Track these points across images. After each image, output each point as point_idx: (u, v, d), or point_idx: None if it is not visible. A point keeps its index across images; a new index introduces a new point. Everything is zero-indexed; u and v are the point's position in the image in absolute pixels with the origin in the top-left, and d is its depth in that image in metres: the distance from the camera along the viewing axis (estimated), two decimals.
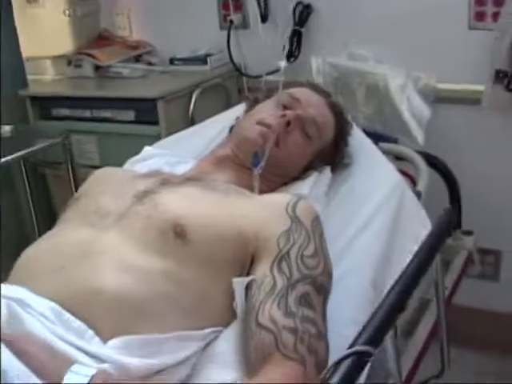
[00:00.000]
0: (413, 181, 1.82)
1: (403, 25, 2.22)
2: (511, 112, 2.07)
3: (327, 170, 1.48)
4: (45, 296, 0.99)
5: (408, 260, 1.37)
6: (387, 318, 1.11)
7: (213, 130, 1.70)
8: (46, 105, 2.54)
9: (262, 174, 1.37)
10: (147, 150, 1.64)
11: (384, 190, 1.49)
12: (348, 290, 1.26)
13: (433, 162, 1.85)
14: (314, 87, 1.52)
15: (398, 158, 1.87)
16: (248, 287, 1.08)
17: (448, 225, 1.41)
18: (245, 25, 2.54)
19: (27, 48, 2.82)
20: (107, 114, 2.40)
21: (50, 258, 1.09)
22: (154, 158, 1.59)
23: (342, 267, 1.30)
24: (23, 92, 2.54)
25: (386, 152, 1.78)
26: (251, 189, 1.35)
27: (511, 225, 2.22)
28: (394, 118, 2.22)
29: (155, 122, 2.27)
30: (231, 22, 2.50)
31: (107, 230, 1.12)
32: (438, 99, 2.21)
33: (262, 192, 1.38)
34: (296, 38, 2.38)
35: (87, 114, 2.44)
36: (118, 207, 1.18)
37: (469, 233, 1.92)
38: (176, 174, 1.40)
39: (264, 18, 2.44)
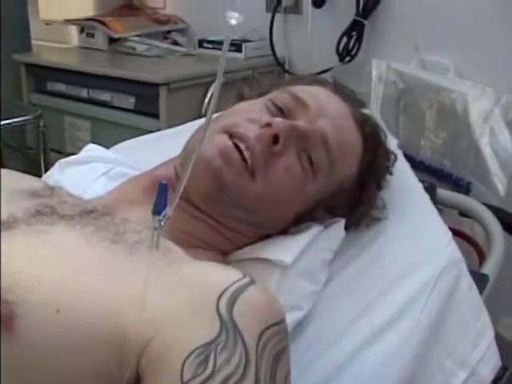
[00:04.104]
0: (474, 245, 1.24)
1: (496, 30, 1.64)
2: None
3: (338, 226, 0.91)
4: None
5: None
6: None
7: None
8: (40, 76, 2.09)
9: (223, 222, 0.83)
10: (90, 148, 1.13)
11: (429, 269, 0.92)
12: None
13: None
14: (338, 88, 0.94)
15: (464, 214, 1.29)
16: None
17: None
18: (297, 9, 2.00)
19: (45, 10, 2.42)
20: (106, 96, 1.91)
21: None
22: (94, 162, 1.08)
23: None
24: (17, 57, 2.08)
25: (445, 203, 1.21)
26: (196, 241, 0.82)
27: None
28: (469, 153, 1.68)
29: (156, 115, 1.76)
30: (279, 2, 1.96)
31: None
32: None
33: (215, 250, 0.84)
34: (356, 32, 1.82)
35: (83, 93, 1.96)
36: None
37: None
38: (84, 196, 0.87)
39: (319, 2, 1.89)
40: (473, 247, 1.23)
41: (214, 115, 0.94)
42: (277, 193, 0.82)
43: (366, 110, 0.97)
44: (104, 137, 1.91)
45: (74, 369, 0.59)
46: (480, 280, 1.01)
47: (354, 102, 0.94)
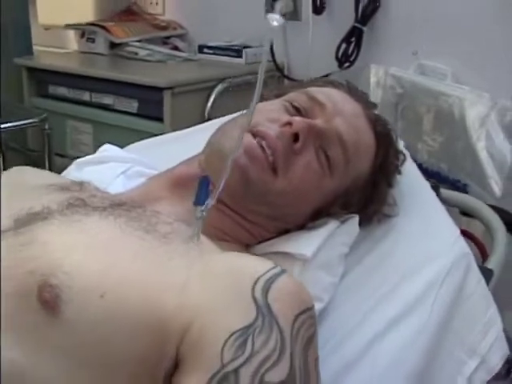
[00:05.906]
0: (476, 242, 1.28)
1: (493, 35, 1.68)
2: None
3: (353, 222, 0.95)
4: None
5: None
6: None
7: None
8: (42, 79, 2.11)
9: (245, 217, 0.86)
10: (106, 148, 1.15)
11: (439, 263, 0.95)
12: None
13: None
14: (352, 91, 0.99)
15: (464, 213, 1.33)
16: None
17: None
18: (296, 15, 2.04)
19: (44, 15, 2.44)
20: (108, 100, 1.94)
21: None
22: (110, 161, 1.10)
23: None
24: (19, 61, 2.11)
25: (448, 202, 1.25)
26: (221, 234, 0.85)
27: None
28: (466, 157, 1.71)
29: (160, 118, 1.79)
30: None
31: None
32: None
33: (239, 243, 0.88)
34: (355, 38, 1.86)
35: (86, 96, 1.99)
36: None
37: None
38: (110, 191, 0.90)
39: (319, 9, 1.93)
40: (475, 245, 1.26)
41: (230, 116, 0.98)
42: (297, 188, 0.85)
43: (376, 112, 1.01)
44: (106, 140, 1.94)
45: (117, 353, 0.62)
46: (485, 274, 1.04)
47: (367, 103, 0.98)
